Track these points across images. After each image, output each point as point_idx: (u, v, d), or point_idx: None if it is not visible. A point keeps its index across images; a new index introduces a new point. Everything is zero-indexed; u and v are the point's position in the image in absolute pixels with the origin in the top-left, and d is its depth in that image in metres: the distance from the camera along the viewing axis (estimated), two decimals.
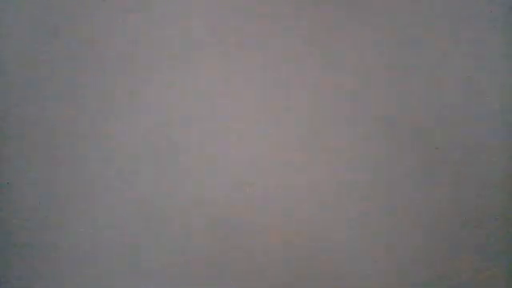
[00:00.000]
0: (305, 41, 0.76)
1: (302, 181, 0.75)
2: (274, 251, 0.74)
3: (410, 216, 0.75)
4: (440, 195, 0.75)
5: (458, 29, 0.76)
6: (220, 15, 0.76)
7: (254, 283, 0.74)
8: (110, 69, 0.76)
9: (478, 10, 0.77)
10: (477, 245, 0.74)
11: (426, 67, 0.76)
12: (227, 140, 0.75)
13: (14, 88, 0.76)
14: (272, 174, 0.75)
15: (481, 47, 0.76)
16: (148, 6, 0.76)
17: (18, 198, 0.74)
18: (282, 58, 0.76)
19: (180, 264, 0.74)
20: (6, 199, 0.74)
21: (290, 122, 0.75)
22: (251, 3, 0.76)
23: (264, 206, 0.74)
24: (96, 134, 0.75)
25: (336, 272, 0.74)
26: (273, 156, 0.75)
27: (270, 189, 0.74)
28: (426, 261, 0.74)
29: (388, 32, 0.76)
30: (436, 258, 0.74)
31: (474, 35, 0.76)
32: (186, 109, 0.75)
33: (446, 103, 0.75)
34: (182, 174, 0.74)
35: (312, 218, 0.74)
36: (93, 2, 0.76)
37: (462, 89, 0.76)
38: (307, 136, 0.75)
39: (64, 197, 0.74)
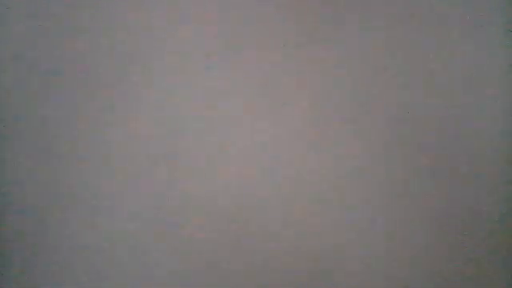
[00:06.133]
0: (305, 41, 0.76)
1: (303, 181, 0.75)
2: (274, 251, 0.74)
3: (410, 216, 0.75)
4: (440, 195, 0.75)
5: (458, 29, 0.76)
6: (219, 16, 0.76)
7: (254, 283, 0.74)
8: (111, 69, 0.76)
9: (478, 10, 0.77)
10: (477, 245, 0.75)
11: (426, 67, 0.76)
12: (227, 141, 0.75)
13: (14, 89, 0.76)
14: (272, 175, 0.75)
15: (481, 47, 0.76)
16: (149, 9, 0.76)
17: (18, 199, 0.74)
18: (282, 58, 0.76)
19: (181, 264, 0.74)
20: (6, 199, 0.74)
21: (289, 123, 0.75)
22: (251, 4, 0.76)
23: (264, 206, 0.74)
24: (96, 135, 0.75)
25: (336, 272, 0.74)
26: (273, 157, 0.75)
27: (270, 189, 0.74)
28: (426, 261, 0.74)
29: (388, 32, 0.76)
30: (436, 258, 0.74)
31: (474, 35, 0.76)
32: (186, 110, 0.75)
33: (445, 103, 0.75)
34: (182, 174, 0.74)
35: (312, 218, 0.74)
36: (93, 4, 0.76)
37: (461, 89, 0.76)
38: (307, 137, 0.75)
39: (64, 198, 0.74)
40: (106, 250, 0.74)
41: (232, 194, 0.74)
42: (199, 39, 0.76)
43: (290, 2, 0.76)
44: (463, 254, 0.74)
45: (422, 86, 0.76)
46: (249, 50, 0.76)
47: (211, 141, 0.75)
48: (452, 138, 0.75)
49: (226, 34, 0.76)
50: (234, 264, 0.74)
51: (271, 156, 0.75)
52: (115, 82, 0.75)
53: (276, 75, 0.76)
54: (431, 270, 0.74)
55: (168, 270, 0.74)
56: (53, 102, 0.75)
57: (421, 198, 0.75)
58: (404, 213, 0.75)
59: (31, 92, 0.75)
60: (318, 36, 0.76)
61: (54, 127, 0.75)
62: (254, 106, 0.75)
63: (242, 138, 0.75)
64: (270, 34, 0.76)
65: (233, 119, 0.75)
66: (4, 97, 0.75)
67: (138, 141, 0.75)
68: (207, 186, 0.74)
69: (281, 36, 0.76)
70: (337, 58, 0.76)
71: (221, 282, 0.74)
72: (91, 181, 0.74)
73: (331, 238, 0.74)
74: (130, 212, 0.74)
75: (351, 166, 0.75)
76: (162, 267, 0.74)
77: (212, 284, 0.74)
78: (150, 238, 0.74)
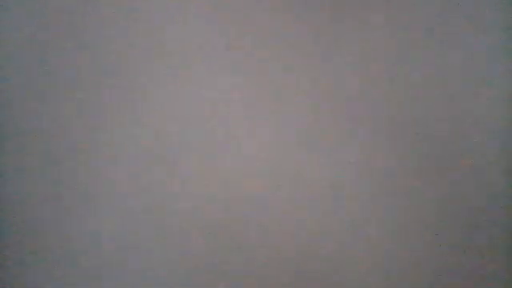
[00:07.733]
0: (305, 42, 0.76)
1: (302, 181, 0.75)
2: (273, 252, 0.74)
3: (411, 216, 0.75)
4: (440, 195, 0.75)
5: (458, 29, 0.76)
6: (219, 16, 0.76)
7: (254, 284, 0.74)
8: (111, 71, 0.76)
9: (478, 10, 0.77)
10: (477, 245, 0.74)
11: (426, 67, 0.76)
12: (227, 142, 0.75)
13: (14, 90, 0.76)
14: (272, 175, 0.75)
15: (481, 47, 0.76)
16: (148, 9, 0.76)
17: (18, 199, 0.74)
18: (283, 58, 0.76)
19: (180, 265, 0.74)
20: (6, 199, 0.74)
21: (290, 124, 0.75)
22: (252, 4, 0.76)
23: (264, 206, 0.74)
24: (96, 136, 0.75)
25: (336, 273, 0.74)
26: (273, 157, 0.75)
27: (270, 190, 0.74)
28: (425, 261, 0.74)
29: (388, 32, 0.76)
30: (436, 258, 0.74)
31: (474, 35, 0.76)
32: (186, 111, 0.75)
33: (446, 103, 0.75)
34: (182, 175, 0.74)
35: (312, 219, 0.74)
36: (93, 5, 0.76)
37: (461, 89, 0.76)
38: (308, 137, 0.75)
39: (64, 199, 0.74)
40: (105, 250, 0.74)
41: (232, 194, 0.74)
42: (199, 40, 0.76)
43: (290, 2, 0.76)
44: (464, 253, 0.74)
45: (422, 86, 0.76)
46: (249, 50, 0.76)
47: (211, 141, 0.75)
48: (452, 137, 0.75)
49: (226, 35, 0.76)
50: (233, 264, 0.74)
51: (271, 156, 0.75)
52: (115, 82, 0.75)
53: (276, 76, 0.76)
54: (431, 270, 0.74)
55: (168, 270, 0.74)
56: (53, 101, 0.75)
57: (421, 198, 0.75)
58: (404, 213, 0.75)
59: (31, 92, 0.75)
60: (318, 37, 0.76)
61: (54, 127, 0.75)
62: (254, 106, 0.75)
63: (243, 138, 0.75)
64: (271, 35, 0.76)
65: (233, 120, 0.75)
66: (4, 97, 0.75)
67: (138, 141, 0.75)
68: (207, 186, 0.74)
69: (281, 37, 0.76)
70: (337, 58, 0.76)
71: (220, 283, 0.74)
72: (91, 181, 0.74)
73: (331, 239, 0.74)
74: (130, 212, 0.74)
75: (351, 166, 0.75)
76: (161, 267, 0.74)
77: (211, 284, 0.74)
78: (149, 238, 0.74)
